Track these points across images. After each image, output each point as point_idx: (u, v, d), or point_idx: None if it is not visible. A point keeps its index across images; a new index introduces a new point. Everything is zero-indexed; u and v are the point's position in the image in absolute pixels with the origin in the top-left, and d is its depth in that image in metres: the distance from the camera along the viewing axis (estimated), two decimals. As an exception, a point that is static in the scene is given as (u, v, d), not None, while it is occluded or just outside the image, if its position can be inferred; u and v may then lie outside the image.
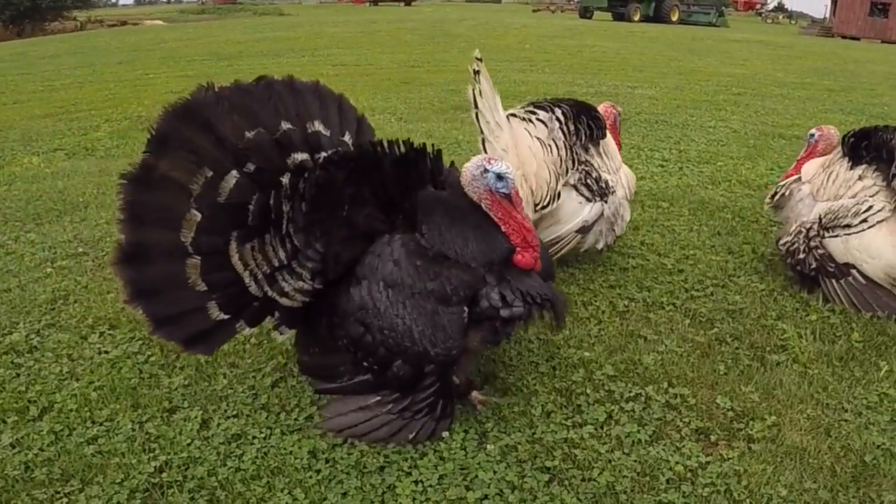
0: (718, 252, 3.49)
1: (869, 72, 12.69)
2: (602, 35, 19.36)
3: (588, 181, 3.00)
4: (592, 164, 3.03)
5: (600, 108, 3.19)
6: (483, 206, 2.03)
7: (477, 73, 2.64)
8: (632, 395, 2.32)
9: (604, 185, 3.04)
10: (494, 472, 1.97)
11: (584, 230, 3.03)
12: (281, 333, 2.13)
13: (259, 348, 2.56)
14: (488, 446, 2.07)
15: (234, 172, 1.94)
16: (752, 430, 2.16)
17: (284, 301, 2.03)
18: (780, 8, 68.57)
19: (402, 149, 2.07)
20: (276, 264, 2.00)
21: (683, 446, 2.08)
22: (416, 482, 1.92)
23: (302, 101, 2.09)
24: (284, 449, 2.04)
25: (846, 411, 2.27)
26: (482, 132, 2.71)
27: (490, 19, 24.60)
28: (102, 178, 4.70)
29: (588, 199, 3.00)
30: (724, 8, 41.54)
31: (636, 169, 4.96)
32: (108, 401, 2.26)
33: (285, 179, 1.99)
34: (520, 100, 7.59)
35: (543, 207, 2.89)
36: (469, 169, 2.02)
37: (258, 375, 2.39)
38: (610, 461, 2.02)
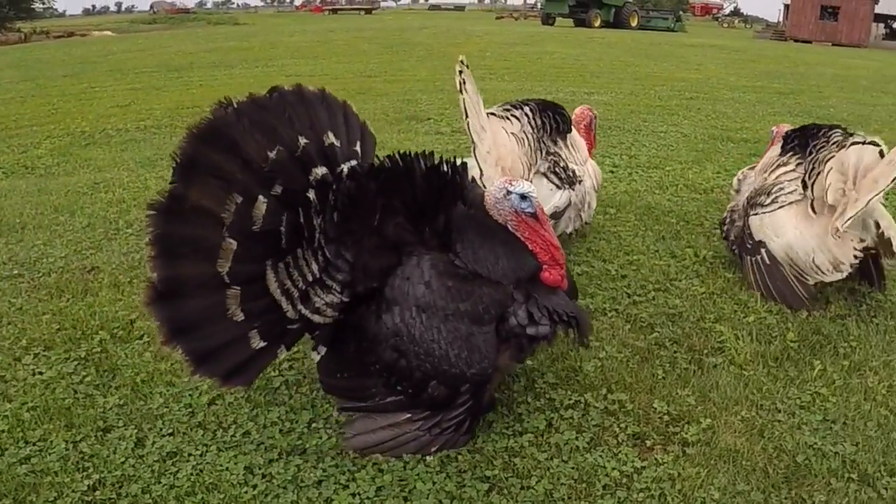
0: (662, 256, 3.58)
1: (818, 74, 13.14)
2: (562, 42, 19.68)
3: (556, 170, 3.30)
4: (560, 155, 3.33)
5: (577, 111, 3.61)
6: (509, 226, 2.06)
7: (463, 83, 2.86)
8: (571, 402, 2.36)
9: (571, 174, 3.35)
10: (433, 483, 1.99)
11: (556, 216, 3.28)
12: (318, 353, 2.11)
13: (197, 367, 2.55)
14: (427, 457, 2.09)
15: (262, 197, 1.91)
16: (687, 433, 2.21)
17: (317, 318, 2.02)
18: (735, 13, 70.48)
19: (433, 161, 2.08)
20: (310, 279, 2.00)
21: (620, 452, 2.13)
22: (353, 495, 1.94)
23: (314, 112, 2.09)
24: (220, 465, 2.04)
25: (780, 412, 2.34)
26: (472, 140, 2.90)
27: (451, 27, 24.81)
28: (41, 198, 4.62)
29: (558, 187, 3.30)
30: (681, 13, 42.63)
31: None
32: (41, 421, 2.24)
33: (311, 195, 1.98)
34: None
35: None
36: (492, 192, 2.05)
37: (195, 393, 2.38)
38: (548, 469, 2.06)
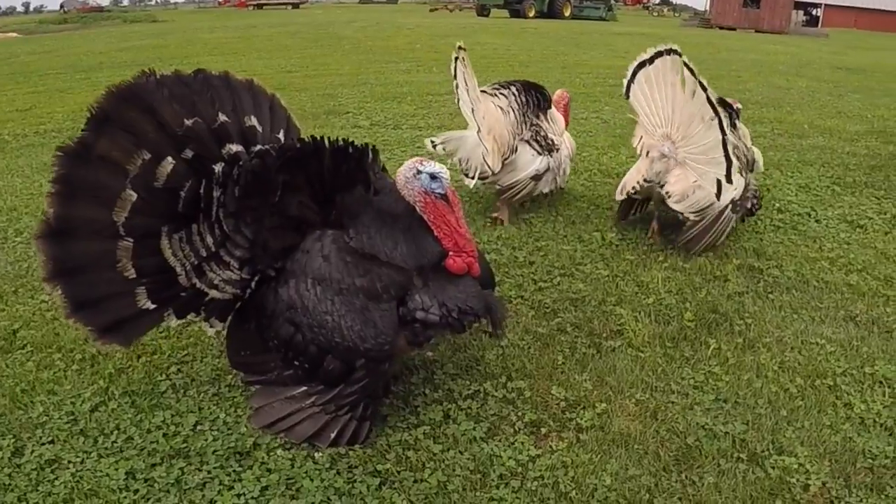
0: (570, 241, 3.64)
1: (739, 59, 13.62)
2: (495, 33, 19.80)
3: (538, 138, 3.87)
4: (541, 126, 3.90)
5: (557, 93, 4.16)
6: (417, 208, 2.06)
7: (457, 59, 3.55)
8: (470, 392, 2.37)
9: (550, 143, 3.92)
10: (322, 480, 1.98)
11: (536, 178, 3.87)
12: (211, 326, 2.19)
13: (80, 374, 2.49)
14: (316, 454, 2.08)
15: (171, 158, 1.99)
16: (582, 419, 2.25)
17: (214, 293, 2.09)
18: (665, 2, 72.44)
19: (342, 144, 2.09)
20: (205, 254, 2.05)
21: (517, 441, 2.15)
22: (238, 495, 1.92)
23: (237, 97, 2.16)
24: (100, 471, 2.02)
25: (674, 393, 2.40)
26: (470, 103, 3.52)
27: (382, 20, 24.63)
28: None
29: (538, 153, 3.86)
30: (613, 3, 43.54)
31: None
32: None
33: (218, 168, 2.04)
34: (400, 100, 7.69)
35: (505, 159, 3.74)
36: (402, 172, 2.07)
37: (77, 401, 2.33)
38: (443, 461, 2.06)
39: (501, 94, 3.80)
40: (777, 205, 4.21)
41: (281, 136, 2.25)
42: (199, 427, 2.20)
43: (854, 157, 5.50)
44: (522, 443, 2.14)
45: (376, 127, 6.31)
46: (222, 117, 2.07)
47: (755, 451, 2.12)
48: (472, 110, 3.52)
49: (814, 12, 55.24)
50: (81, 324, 2.05)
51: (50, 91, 9.31)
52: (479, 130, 3.50)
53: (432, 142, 3.76)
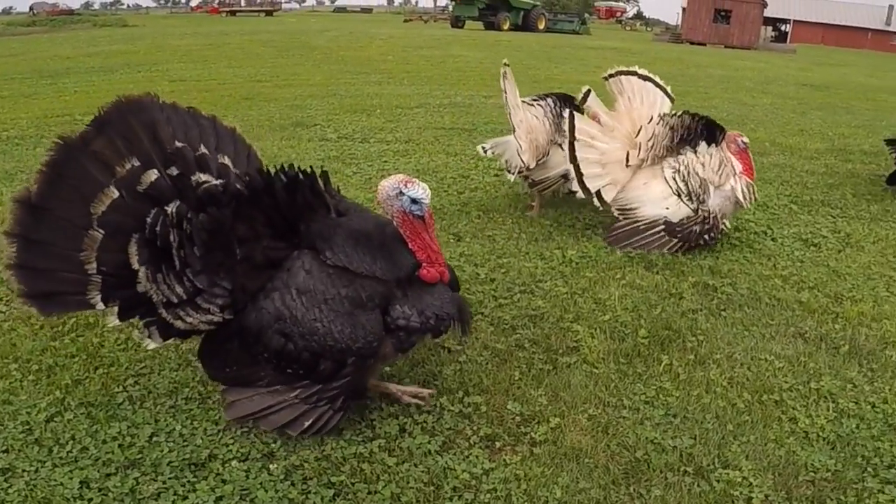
0: (531, 259, 3.71)
1: (707, 76, 13.95)
2: (469, 45, 20.00)
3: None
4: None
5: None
6: (395, 222, 2.21)
7: (503, 74, 4.17)
8: (427, 407, 2.42)
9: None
10: (276, 491, 2.01)
11: (566, 176, 4.26)
12: (152, 342, 2.21)
13: (36, 385, 2.50)
14: (271, 466, 2.11)
15: (156, 171, 2.14)
16: (536, 433, 2.30)
17: (179, 324, 2.17)
18: (638, 16, 73.82)
19: (290, 175, 2.19)
20: (176, 300, 2.13)
21: (471, 454, 2.20)
22: (192, 505, 1.95)
23: (219, 137, 2.34)
24: (54, 480, 2.03)
25: (625, 408, 2.47)
26: (510, 111, 4.19)
27: (356, 30, 24.73)
28: None
29: None
30: (587, 16, 44.24)
31: (471, 180, 5.22)
32: None
33: (172, 207, 2.13)
34: (369, 113, 7.75)
35: (539, 159, 4.29)
36: (385, 187, 2.19)
37: (33, 411, 2.35)
38: (397, 473, 2.10)
39: (538, 104, 4.42)
40: (735, 223, 4.34)
41: (227, 160, 2.36)
42: (154, 438, 2.22)
43: (813, 175, 5.69)
44: (477, 456, 2.19)
45: (344, 140, 6.36)
46: (203, 149, 2.24)
47: (701, 465, 2.19)
48: (510, 114, 4.18)
49: (783, 28, 56.72)
50: (16, 280, 2.11)
51: (14, 96, 9.21)
52: (514, 131, 4.17)
53: (483, 148, 4.48)
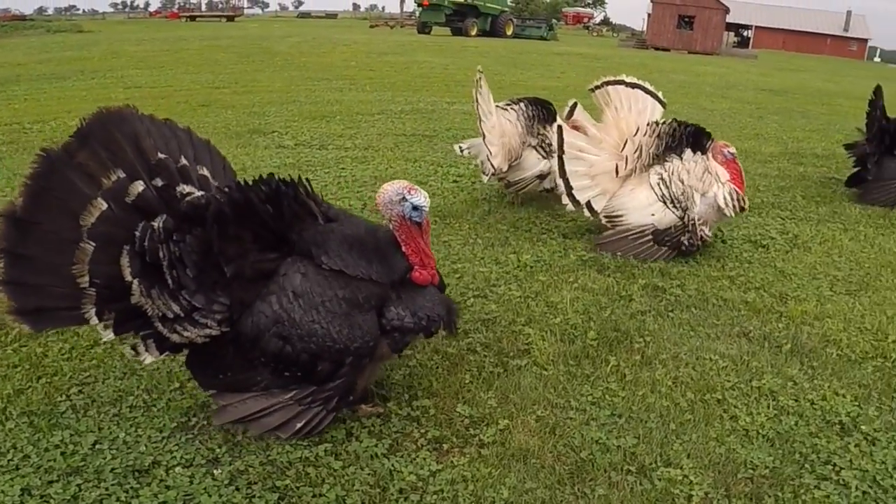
0: (486, 264, 3.78)
1: (669, 81, 14.22)
2: (435, 51, 20.12)
3: (543, 144, 4.64)
4: (546, 135, 4.58)
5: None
6: (391, 225, 2.31)
7: (477, 80, 4.47)
8: (371, 410, 2.45)
9: (551, 148, 4.48)
10: (220, 496, 2.04)
11: (542, 177, 4.67)
12: (149, 355, 2.18)
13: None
14: (216, 471, 2.14)
15: (142, 182, 2.14)
16: (484, 435, 2.36)
17: (175, 338, 2.16)
18: (605, 22, 74.97)
19: (272, 186, 2.22)
20: (172, 316, 2.13)
21: (418, 456, 2.25)
22: (134, 511, 1.96)
23: (196, 148, 2.35)
24: None
25: (573, 409, 2.54)
26: (481, 117, 4.45)
27: (319, 35, 24.69)
28: None
29: (543, 157, 4.62)
30: (555, 22, 44.79)
31: (429, 186, 5.27)
32: None
33: (158, 222, 2.13)
34: (329, 120, 7.76)
35: (512, 161, 4.65)
36: (388, 192, 2.28)
37: (-26, 421, 2.33)
38: (343, 476, 2.14)
39: (511, 108, 4.73)
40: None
41: (206, 171, 2.38)
42: (97, 446, 2.24)
43: (765, 178, 5.87)
44: (424, 458, 2.24)
45: (301, 147, 6.38)
46: (184, 161, 2.26)
47: (644, 464, 2.26)
48: (480, 121, 4.44)
49: (745, 34, 58.15)
50: (6, 297, 2.08)
51: (-41, 105, 9.02)
52: (484, 137, 4.42)
53: (460, 147, 4.80)
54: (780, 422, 2.50)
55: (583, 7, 78.98)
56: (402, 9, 49.29)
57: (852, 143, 5.77)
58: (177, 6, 48.84)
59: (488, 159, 4.44)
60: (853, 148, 5.71)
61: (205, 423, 2.37)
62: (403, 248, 2.31)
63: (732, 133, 8.01)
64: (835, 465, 2.29)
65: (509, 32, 34.58)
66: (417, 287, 2.34)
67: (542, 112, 4.76)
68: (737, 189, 4.00)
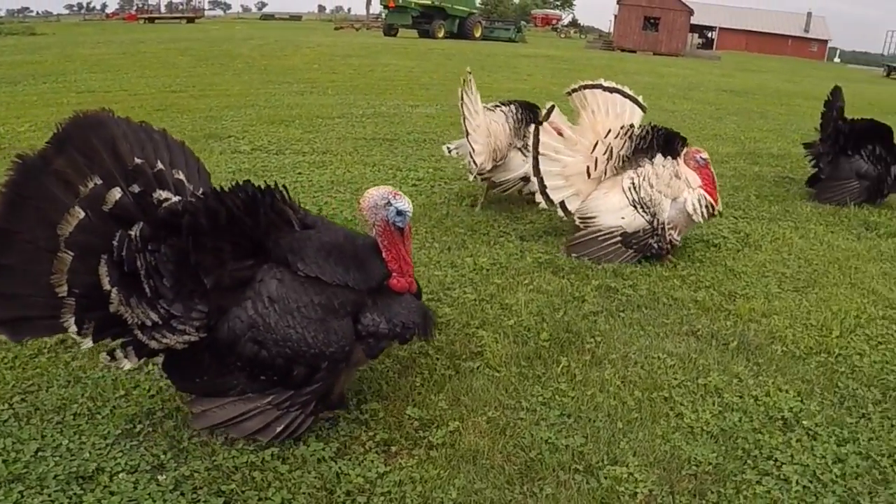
0: (442, 267, 3.83)
1: (633, 82, 14.21)
2: (400, 53, 20.16)
3: (528, 147, 4.46)
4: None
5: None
6: (373, 230, 2.34)
7: (466, 80, 4.62)
8: (323, 415, 2.48)
9: None
10: (165, 501, 2.05)
11: (526, 179, 4.66)
12: (128, 362, 2.20)
13: None
14: (160, 477, 2.15)
15: (120, 189, 2.15)
16: (434, 437, 2.40)
17: (154, 345, 2.18)
18: (573, 23, 75.80)
19: (249, 194, 2.24)
20: (150, 324, 2.15)
21: (366, 459, 2.28)
22: (77, 517, 1.97)
23: (171, 151, 2.34)
24: None
25: (523, 410, 2.58)
26: (465, 116, 4.60)
27: (282, 38, 24.54)
28: None
29: (528, 159, 4.51)
30: (523, 24, 45.14)
31: (388, 190, 5.30)
32: None
33: (135, 231, 2.15)
34: (288, 124, 7.73)
35: (498, 162, 4.80)
36: (373, 197, 2.33)
37: None
38: (289, 480, 2.17)
39: (500, 110, 4.89)
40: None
41: (182, 175, 2.40)
42: (40, 453, 2.23)
43: (721, 178, 5.98)
44: (372, 461, 2.27)
45: (258, 152, 6.36)
46: (160, 165, 2.26)
47: (591, 463, 2.32)
48: (465, 120, 4.61)
49: (709, 35, 59.26)
50: None
51: None
52: (468, 135, 4.61)
53: (448, 148, 5.02)
54: (724, 418, 2.58)
55: (551, 9, 79.78)
56: (368, 11, 49.20)
57: (811, 142, 5.95)
58: (135, 7, 48.09)
59: (471, 156, 4.60)
60: (811, 147, 5.89)
61: (150, 429, 2.38)
62: (384, 254, 2.35)
63: (692, 134, 8.16)
64: (776, 460, 2.37)
65: (477, 34, 34.77)
66: (394, 294, 2.38)
67: (530, 115, 4.89)
68: (706, 195, 4.02)
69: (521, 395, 2.68)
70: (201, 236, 2.16)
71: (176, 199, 2.22)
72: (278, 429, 2.29)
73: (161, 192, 2.21)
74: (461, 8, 34.73)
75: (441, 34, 32.53)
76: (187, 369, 2.30)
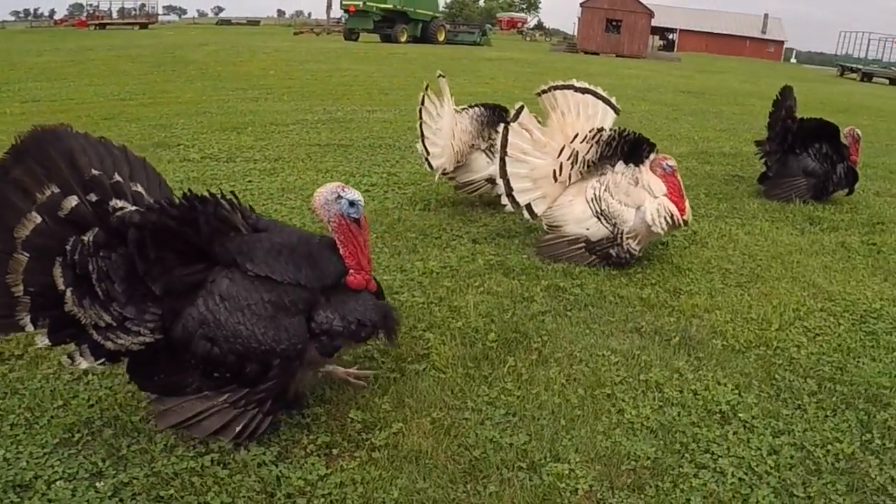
0: (391, 272, 3.87)
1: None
2: (360, 58, 20.15)
3: (493, 149, 4.71)
4: (496, 139, 4.51)
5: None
6: (329, 227, 2.42)
7: (429, 86, 4.86)
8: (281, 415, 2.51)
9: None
10: (101, 508, 2.07)
11: (491, 180, 4.78)
12: (84, 360, 2.28)
13: None
14: (99, 484, 2.18)
15: (76, 197, 2.25)
16: (376, 439, 2.44)
17: (110, 345, 2.26)
18: (539, 26, 76.55)
19: (189, 203, 2.33)
20: (104, 325, 2.24)
21: (307, 462, 2.32)
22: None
23: (131, 166, 2.45)
24: None
25: (469, 410, 2.64)
26: (424, 121, 4.93)
27: (239, 43, 24.38)
28: None
29: (492, 161, 4.72)
30: (489, 27, 45.43)
31: (340, 196, 5.33)
32: None
33: (89, 236, 2.24)
34: (240, 131, 7.70)
35: (459, 163, 5.00)
36: (323, 193, 2.42)
37: None
38: (229, 484, 2.21)
39: (466, 112, 5.04)
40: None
41: (140, 188, 2.51)
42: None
43: (673, 178, 6.16)
44: (313, 464, 2.32)
45: (207, 160, 6.33)
46: (118, 177, 2.37)
47: (534, 460, 2.39)
48: (422, 123, 4.90)
49: (670, 37, 60.41)
50: None
51: None
52: (423, 138, 4.93)
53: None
54: (663, 413, 2.68)
55: (517, 12, 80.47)
56: (328, 15, 49.05)
57: (762, 140, 6.15)
58: (85, 14, 47.27)
59: (426, 159, 4.89)
60: (761, 145, 6.09)
61: (89, 438, 2.40)
62: (342, 251, 2.43)
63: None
64: (713, 453, 2.46)
65: (441, 38, 34.88)
66: (351, 292, 2.45)
67: (496, 116, 4.96)
68: (669, 205, 3.95)
69: (466, 395, 2.74)
70: (144, 248, 2.24)
71: (131, 208, 2.31)
72: (237, 428, 2.35)
73: (118, 201, 2.32)
74: (424, 12, 34.81)
75: (404, 38, 32.55)
76: (146, 369, 2.38)
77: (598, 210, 4.05)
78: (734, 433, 2.58)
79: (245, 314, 2.30)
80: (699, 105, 11.89)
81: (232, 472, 2.26)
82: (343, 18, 38.55)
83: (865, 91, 22.61)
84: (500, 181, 4.26)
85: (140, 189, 2.40)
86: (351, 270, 2.44)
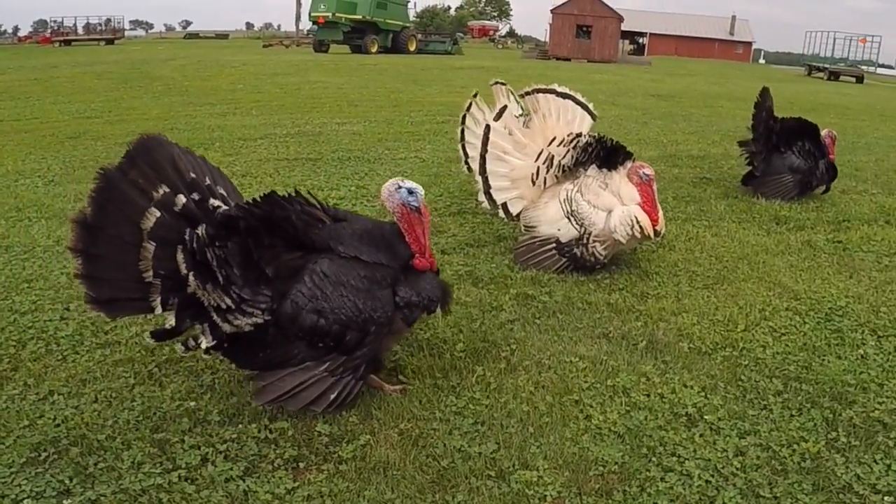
0: (360, 285, 3.88)
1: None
2: (329, 70, 20.15)
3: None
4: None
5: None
6: (395, 217, 2.77)
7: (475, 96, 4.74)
8: (232, 435, 2.53)
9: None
10: (69, 525, 2.06)
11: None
12: (205, 340, 2.58)
13: None
14: (66, 501, 2.18)
15: (183, 196, 2.57)
16: (344, 451, 2.46)
17: (227, 327, 2.58)
18: (510, 33, 77.10)
19: (283, 199, 2.69)
20: (224, 307, 2.56)
21: (274, 476, 2.34)
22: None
23: (211, 171, 2.81)
24: None
25: (437, 420, 2.67)
26: (467, 125, 4.77)
27: (206, 58, 24.30)
28: None
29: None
30: (460, 36, 45.65)
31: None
32: None
33: (201, 230, 2.57)
34: (207, 147, 7.66)
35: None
36: (386, 187, 2.79)
37: None
38: (197, 500, 2.22)
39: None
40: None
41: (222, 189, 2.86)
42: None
43: (642, 183, 6.25)
44: (280, 478, 2.33)
45: (175, 175, 6.29)
46: (208, 181, 2.73)
47: (503, 468, 2.41)
48: (462, 130, 4.88)
49: (640, 41, 61.20)
50: (84, 288, 2.53)
51: None
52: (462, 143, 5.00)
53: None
54: (630, 418, 2.71)
55: (488, 20, 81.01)
56: (297, 27, 49.01)
57: (745, 140, 6.29)
58: (49, 30, 46.81)
59: (465, 162, 4.91)
60: (745, 146, 6.24)
61: (55, 456, 2.41)
62: (406, 238, 2.76)
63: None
64: (679, 456, 2.50)
65: (412, 48, 34.99)
66: (418, 272, 2.79)
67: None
68: (638, 214, 3.90)
69: (434, 405, 2.76)
70: (258, 236, 2.59)
71: (227, 207, 2.66)
72: (332, 396, 2.63)
73: (214, 201, 2.67)
74: (394, 22, 34.92)
75: (374, 49, 32.62)
76: (252, 346, 2.65)
77: (569, 210, 4.11)
78: (700, 435, 2.62)
79: (347, 288, 2.64)
80: (668, 108, 12.05)
81: (199, 487, 2.27)
82: (312, 30, 38.54)
83: (832, 90, 23.06)
84: (478, 178, 4.37)
85: (223, 191, 2.75)
86: (416, 254, 2.77)
